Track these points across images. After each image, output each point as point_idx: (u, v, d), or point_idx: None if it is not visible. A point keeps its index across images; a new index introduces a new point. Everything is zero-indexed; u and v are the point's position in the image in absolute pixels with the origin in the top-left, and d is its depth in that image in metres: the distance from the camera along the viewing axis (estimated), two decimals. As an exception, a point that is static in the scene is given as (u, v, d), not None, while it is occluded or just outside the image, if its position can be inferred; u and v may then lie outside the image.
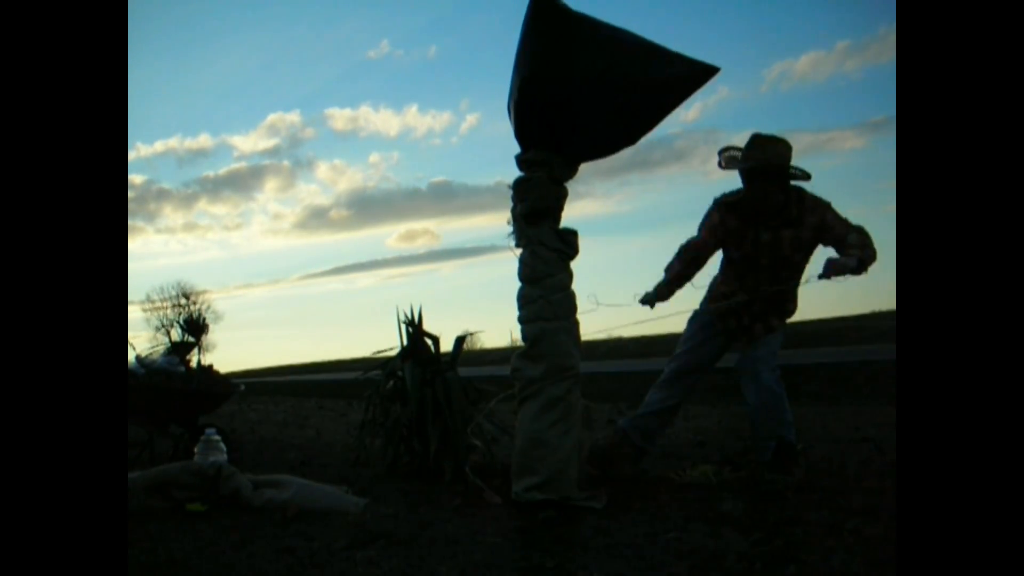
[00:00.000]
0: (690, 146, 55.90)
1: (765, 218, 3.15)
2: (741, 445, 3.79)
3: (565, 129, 2.94)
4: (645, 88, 2.91)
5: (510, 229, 3.11)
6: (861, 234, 3.09)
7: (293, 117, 67.49)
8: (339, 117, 65.08)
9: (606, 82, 2.84)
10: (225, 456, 3.56)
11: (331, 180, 65.79)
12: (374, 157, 66.60)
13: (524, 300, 3.02)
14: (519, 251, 3.07)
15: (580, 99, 2.87)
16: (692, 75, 2.91)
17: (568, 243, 3.05)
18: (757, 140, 3.13)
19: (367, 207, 63.56)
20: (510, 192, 3.10)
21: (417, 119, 64.36)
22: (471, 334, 4.46)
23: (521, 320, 3.03)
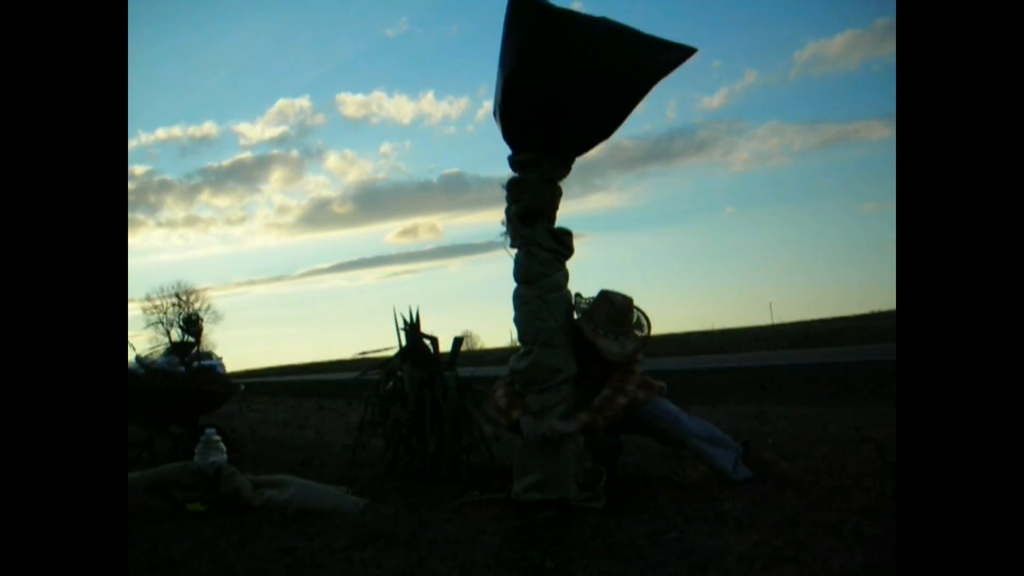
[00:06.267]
0: (712, 136, 55.05)
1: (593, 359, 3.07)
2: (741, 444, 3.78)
3: (551, 126, 2.95)
4: (625, 76, 2.92)
5: (503, 229, 3.12)
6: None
7: (303, 102, 65.87)
8: (351, 103, 63.55)
9: (588, 74, 2.86)
10: (225, 456, 3.56)
11: (340, 171, 64.51)
12: (385, 147, 65.55)
13: (520, 300, 3.02)
14: (514, 251, 3.08)
15: (564, 94, 2.89)
16: (669, 58, 2.93)
17: (563, 243, 3.06)
18: (627, 320, 3.06)
19: (375, 200, 62.45)
20: (504, 193, 3.11)
21: (432, 105, 62.83)
22: (468, 335, 4.48)
23: (517, 321, 3.04)
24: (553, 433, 2.86)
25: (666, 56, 2.92)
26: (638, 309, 3.14)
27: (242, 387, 5.49)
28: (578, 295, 3.19)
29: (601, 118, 3.05)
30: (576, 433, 2.93)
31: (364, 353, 4.18)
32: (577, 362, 3.04)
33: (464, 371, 4.02)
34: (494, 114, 3.09)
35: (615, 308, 3.04)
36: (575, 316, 3.08)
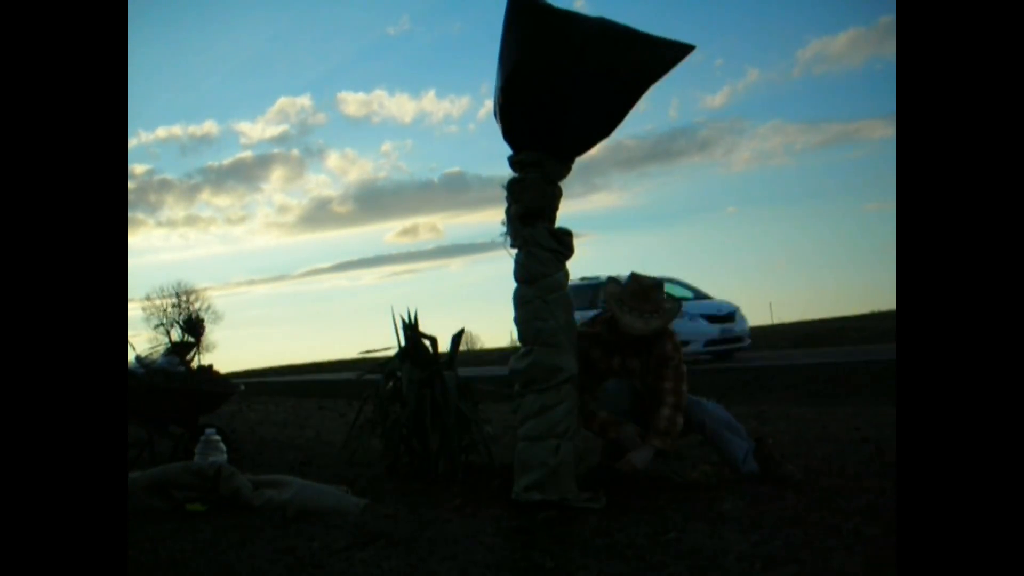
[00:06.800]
0: (714, 136, 54.76)
1: (630, 349, 3.21)
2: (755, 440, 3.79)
3: (551, 125, 2.96)
4: (624, 74, 2.94)
5: (503, 229, 3.13)
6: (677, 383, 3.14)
7: (304, 101, 65.20)
8: (352, 101, 63.09)
9: (587, 73, 2.87)
10: (225, 456, 3.56)
11: (341, 170, 64.32)
12: (386, 146, 65.37)
13: (520, 300, 3.03)
14: (514, 251, 3.08)
15: (563, 93, 2.90)
16: (668, 56, 2.94)
17: (563, 243, 3.06)
18: (652, 297, 3.12)
19: (376, 200, 62.22)
20: (504, 193, 3.12)
21: (434, 104, 62.56)
22: (467, 334, 4.47)
23: (518, 320, 3.04)
24: (632, 469, 3.02)
25: (664, 53, 2.93)
26: (668, 294, 3.27)
27: (242, 387, 5.49)
28: (611, 278, 3.35)
29: (600, 117, 3.06)
30: (574, 433, 2.94)
31: (367, 352, 4.19)
32: (620, 356, 3.19)
33: (465, 371, 4.02)
34: (494, 113, 3.10)
35: (640, 285, 3.14)
36: (608, 296, 3.22)
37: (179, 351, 5.01)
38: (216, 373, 5.04)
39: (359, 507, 2.88)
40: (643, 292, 3.13)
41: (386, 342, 4.12)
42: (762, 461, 3.10)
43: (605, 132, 3.13)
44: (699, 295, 11.67)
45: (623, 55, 2.89)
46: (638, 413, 3.24)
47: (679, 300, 3.34)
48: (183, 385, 4.61)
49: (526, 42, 2.84)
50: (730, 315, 10.90)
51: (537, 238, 3.01)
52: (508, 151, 3.10)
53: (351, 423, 4.25)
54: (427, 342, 3.98)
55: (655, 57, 2.94)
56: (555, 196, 3.09)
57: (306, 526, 2.63)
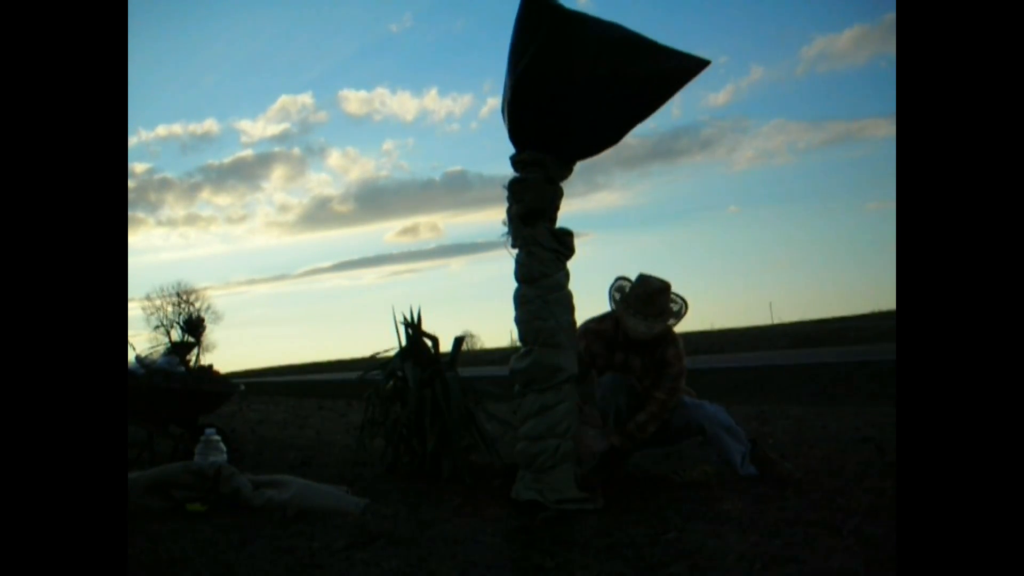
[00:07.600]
0: (717, 134, 54.79)
1: (634, 348, 3.26)
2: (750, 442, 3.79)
3: (558, 128, 2.95)
4: (637, 84, 2.92)
5: (504, 229, 3.13)
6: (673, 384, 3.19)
7: (305, 99, 65.39)
8: (353, 99, 63.15)
9: (598, 79, 2.86)
10: (225, 456, 3.56)
11: (342, 169, 64.31)
12: (388, 144, 65.32)
13: (521, 300, 3.02)
14: (515, 251, 3.08)
15: (573, 97, 2.88)
16: (683, 69, 2.93)
17: (564, 243, 3.06)
18: (657, 301, 3.17)
19: (377, 199, 62.27)
20: (505, 192, 3.11)
21: (436, 102, 62.57)
22: (469, 335, 4.48)
23: (518, 320, 3.04)
24: (589, 455, 3.00)
25: (678, 66, 2.91)
26: (676, 295, 3.26)
27: (242, 387, 5.49)
28: (621, 277, 3.35)
29: (609, 125, 3.05)
30: (573, 433, 2.94)
31: (376, 354, 4.22)
32: (623, 352, 3.22)
33: (465, 371, 4.02)
34: (501, 111, 3.09)
35: (645, 289, 3.18)
36: (615, 296, 3.26)
37: (179, 351, 5.01)
38: (216, 373, 5.04)
39: (359, 507, 2.88)
40: (648, 296, 3.16)
41: (387, 342, 4.14)
42: (759, 463, 3.12)
43: (613, 140, 3.12)
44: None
45: (637, 64, 2.87)
46: (632, 409, 3.26)
47: (686, 302, 3.29)
48: (183, 385, 4.61)
49: (539, 43, 2.82)
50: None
51: (538, 238, 3.01)
52: (511, 150, 3.09)
53: (358, 424, 4.25)
54: (428, 341, 3.98)
55: (669, 69, 2.92)
56: (556, 196, 3.08)
57: (306, 526, 2.63)
